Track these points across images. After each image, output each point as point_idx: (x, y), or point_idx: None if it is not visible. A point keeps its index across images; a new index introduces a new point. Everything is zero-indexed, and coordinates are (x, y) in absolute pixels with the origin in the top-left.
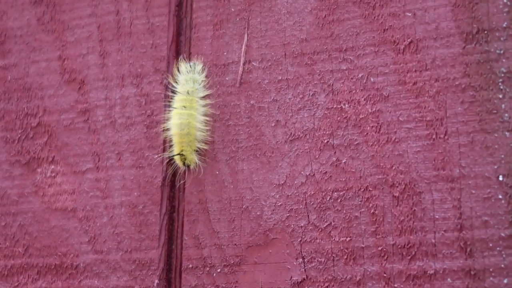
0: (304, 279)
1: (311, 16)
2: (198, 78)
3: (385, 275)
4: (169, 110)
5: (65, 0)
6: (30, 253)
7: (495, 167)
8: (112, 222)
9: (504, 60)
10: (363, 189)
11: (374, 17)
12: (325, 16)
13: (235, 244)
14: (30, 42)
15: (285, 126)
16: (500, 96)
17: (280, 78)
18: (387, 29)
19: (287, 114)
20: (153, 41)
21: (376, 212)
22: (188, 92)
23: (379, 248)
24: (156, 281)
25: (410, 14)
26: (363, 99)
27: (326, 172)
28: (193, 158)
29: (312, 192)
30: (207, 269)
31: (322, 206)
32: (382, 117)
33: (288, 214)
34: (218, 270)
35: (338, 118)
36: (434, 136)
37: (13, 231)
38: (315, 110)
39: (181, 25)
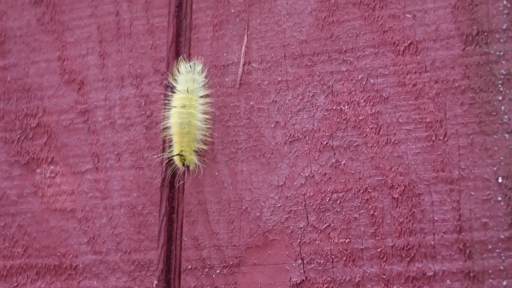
0: (303, 280)
1: (311, 18)
2: (197, 78)
3: (384, 276)
4: (169, 109)
5: (65, 1)
6: (29, 253)
7: (495, 169)
8: (111, 222)
9: (503, 62)
10: (362, 191)
11: (374, 18)
12: (325, 18)
13: (234, 245)
14: (30, 42)
15: (284, 127)
16: (500, 98)
17: (279, 79)
18: (387, 31)
19: (287, 115)
20: (152, 42)
21: (376, 213)
22: (187, 90)
23: (378, 250)
24: (155, 282)
25: (410, 16)
26: (362, 100)
27: (325, 173)
28: (192, 159)
29: (312, 194)
30: (206, 270)
31: (321, 207)
32: (381, 118)
33: (287, 215)
34: (217, 271)
35: (338, 120)
36: (433, 138)
37: (12, 232)
38: (314, 111)
39: (181, 26)
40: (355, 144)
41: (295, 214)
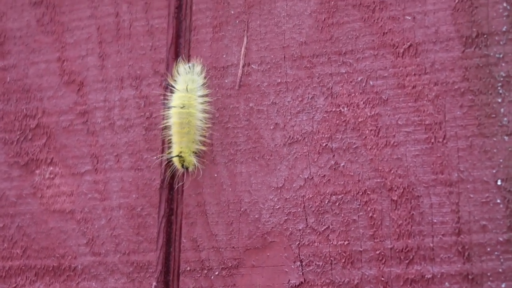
0: (301, 282)
1: (311, 19)
2: (197, 79)
3: (382, 279)
4: (168, 108)
5: (65, 2)
6: (28, 254)
7: (494, 171)
8: (110, 224)
9: (503, 64)
10: (361, 193)
11: (374, 20)
12: (324, 19)
13: (233, 247)
14: (30, 43)
15: (284, 129)
16: (499, 100)
17: (279, 81)
18: (386, 33)
19: (286, 117)
20: (152, 43)
21: (374, 215)
22: (187, 90)
23: (377, 252)
24: (154, 283)
25: (409, 18)
26: (362, 102)
27: (324, 175)
28: (191, 160)
29: (311, 195)
30: (205, 271)
31: (320, 209)
32: (381, 120)
33: (286, 217)
34: (216, 273)
35: (337, 122)
36: (432, 140)
37: (11, 233)
38: (314, 113)
39: (180, 27)
40: (354, 146)
41: (294, 216)
